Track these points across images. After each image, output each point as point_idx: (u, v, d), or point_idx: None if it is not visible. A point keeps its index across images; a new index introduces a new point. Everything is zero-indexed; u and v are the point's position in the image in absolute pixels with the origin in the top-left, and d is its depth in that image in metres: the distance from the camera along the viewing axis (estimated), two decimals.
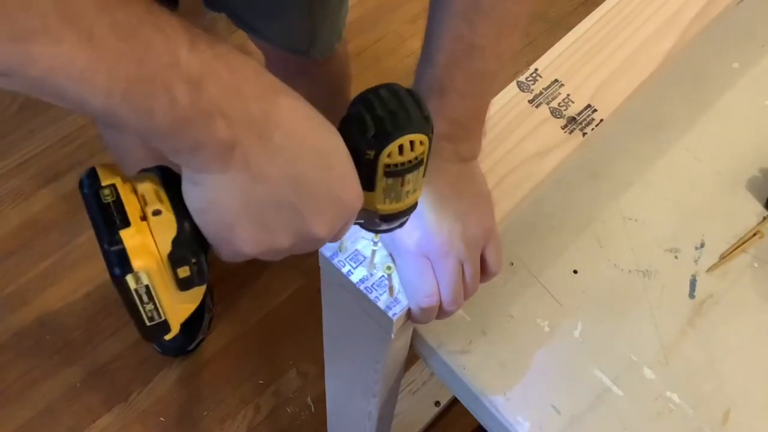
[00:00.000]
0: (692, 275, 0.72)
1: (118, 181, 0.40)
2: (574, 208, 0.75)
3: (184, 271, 0.40)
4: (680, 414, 0.64)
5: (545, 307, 0.69)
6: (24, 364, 1.39)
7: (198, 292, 0.43)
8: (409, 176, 0.45)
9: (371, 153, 0.42)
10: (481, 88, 0.56)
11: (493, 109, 0.70)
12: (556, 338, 0.67)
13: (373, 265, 0.58)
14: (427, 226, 0.55)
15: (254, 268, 1.51)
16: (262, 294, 1.49)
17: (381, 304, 0.57)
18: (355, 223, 0.47)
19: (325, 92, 1.26)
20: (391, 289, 0.57)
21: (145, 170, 0.42)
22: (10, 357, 1.40)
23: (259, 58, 1.19)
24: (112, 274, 0.38)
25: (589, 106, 0.70)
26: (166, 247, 0.39)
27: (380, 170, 0.43)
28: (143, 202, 0.39)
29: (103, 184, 0.39)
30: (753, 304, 0.71)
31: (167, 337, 0.43)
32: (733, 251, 0.73)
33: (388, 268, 0.56)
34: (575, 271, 0.71)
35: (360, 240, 0.59)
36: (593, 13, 0.77)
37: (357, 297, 0.59)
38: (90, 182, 0.39)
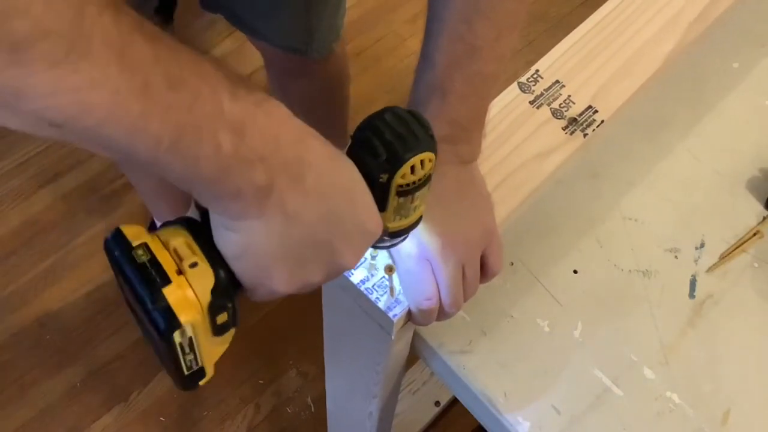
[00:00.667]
0: (692, 275, 0.72)
1: (148, 239, 0.40)
2: (574, 208, 0.75)
3: (222, 318, 0.41)
4: (680, 414, 0.64)
5: (545, 307, 0.69)
6: (24, 364, 1.39)
7: (230, 334, 0.43)
8: (418, 193, 0.46)
9: (384, 177, 0.44)
10: (481, 89, 0.56)
11: (494, 110, 0.70)
12: (556, 338, 0.67)
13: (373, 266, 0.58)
14: (427, 228, 0.55)
15: None
16: None
17: (382, 305, 0.57)
18: None
19: (323, 92, 1.26)
20: (391, 290, 0.57)
21: (168, 223, 0.42)
22: (10, 357, 1.40)
23: (258, 59, 1.19)
24: (160, 333, 0.38)
25: (590, 107, 0.70)
26: (206, 297, 0.39)
27: (393, 192, 0.45)
28: (177, 256, 0.40)
29: (134, 244, 0.39)
30: (753, 304, 0.71)
31: (202, 383, 0.44)
32: (733, 251, 0.73)
33: (389, 269, 0.55)
34: (575, 271, 0.71)
35: None
36: (594, 14, 0.77)
37: (358, 298, 0.59)
38: (119, 244, 0.39)
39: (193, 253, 0.40)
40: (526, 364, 0.66)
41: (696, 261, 0.73)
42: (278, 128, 0.37)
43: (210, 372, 0.43)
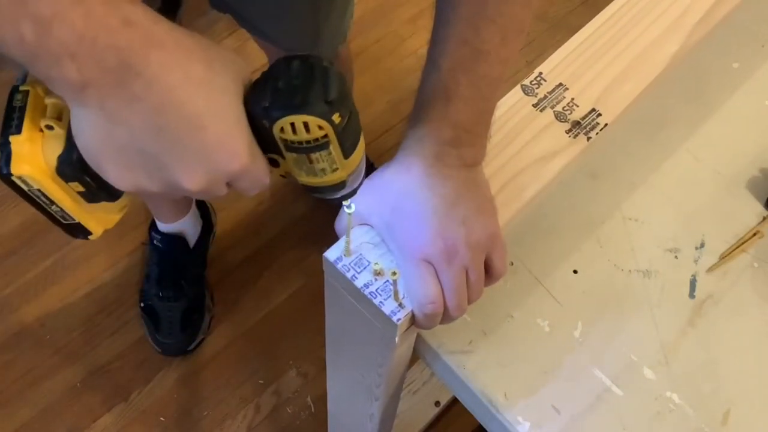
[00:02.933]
0: (692, 275, 0.72)
1: (35, 88, 0.41)
2: (574, 208, 0.75)
3: (77, 186, 0.42)
4: (680, 414, 0.64)
5: (545, 307, 0.69)
6: (24, 364, 1.39)
7: (112, 206, 0.45)
8: (314, 155, 0.43)
9: (266, 123, 0.42)
10: (486, 93, 0.56)
11: (497, 112, 0.69)
12: (556, 338, 0.67)
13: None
14: (431, 232, 0.55)
15: (254, 268, 1.51)
16: (262, 294, 1.49)
17: (386, 309, 0.56)
18: (288, 180, 0.47)
19: None
20: (395, 293, 0.56)
21: None
22: (10, 357, 1.40)
23: (258, 58, 1.19)
24: None
25: (593, 110, 0.70)
26: (53, 162, 0.41)
27: (279, 143, 0.43)
28: (44, 114, 0.41)
29: (21, 88, 0.41)
30: (753, 304, 0.71)
31: (91, 238, 0.47)
32: (733, 251, 0.73)
33: (393, 273, 0.55)
34: (575, 271, 0.71)
35: (364, 245, 0.59)
36: (597, 16, 0.77)
37: (361, 302, 0.58)
38: (16, 84, 0.42)
39: (59, 117, 0.41)
40: (526, 364, 0.66)
41: (696, 261, 0.73)
42: (99, 31, 0.36)
43: (96, 232, 0.46)
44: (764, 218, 0.76)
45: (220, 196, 0.44)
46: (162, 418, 1.37)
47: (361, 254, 0.59)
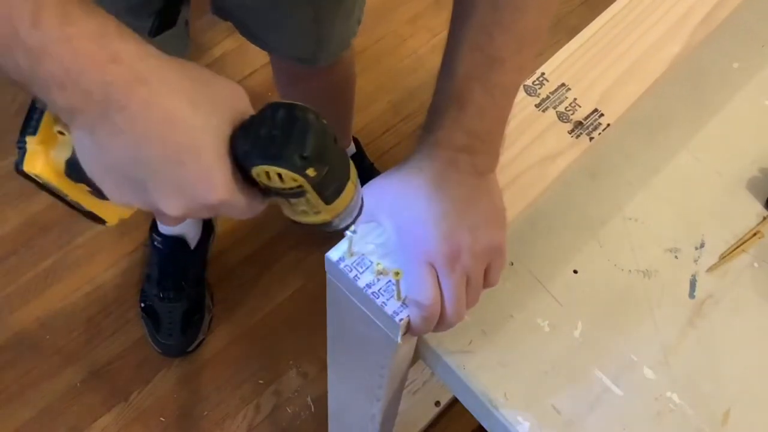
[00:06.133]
0: (692, 275, 0.72)
1: None
2: (574, 208, 0.75)
3: (84, 187, 0.45)
4: (680, 414, 0.64)
5: (545, 307, 0.69)
6: (24, 364, 1.39)
7: (117, 205, 0.47)
8: (293, 200, 0.45)
9: (245, 165, 0.43)
10: (500, 100, 0.56)
11: None
12: (556, 338, 0.67)
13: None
14: (438, 236, 0.54)
15: (254, 268, 1.51)
16: (262, 294, 1.49)
17: (388, 310, 0.56)
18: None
19: (330, 95, 1.27)
20: (398, 294, 0.56)
21: None
22: (10, 357, 1.40)
23: (258, 59, 1.19)
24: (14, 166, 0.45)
25: (596, 110, 0.70)
26: (61, 165, 0.45)
27: (259, 184, 0.44)
28: (57, 120, 0.44)
29: None
30: (753, 304, 0.71)
31: (107, 225, 0.51)
32: (733, 251, 0.73)
33: (397, 273, 0.55)
34: (575, 271, 0.71)
35: (367, 246, 0.59)
36: (599, 17, 0.77)
37: (363, 302, 0.58)
38: None
39: None
40: (527, 364, 0.66)
41: (696, 261, 0.73)
42: (85, 66, 0.38)
43: (111, 221, 0.50)
44: (764, 218, 0.76)
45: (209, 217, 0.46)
46: (162, 418, 1.37)
47: (363, 255, 0.59)
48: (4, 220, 1.53)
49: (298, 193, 0.44)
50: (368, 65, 1.77)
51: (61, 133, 0.44)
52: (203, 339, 1.43)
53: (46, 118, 0.44)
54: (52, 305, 1.45)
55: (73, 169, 0.44)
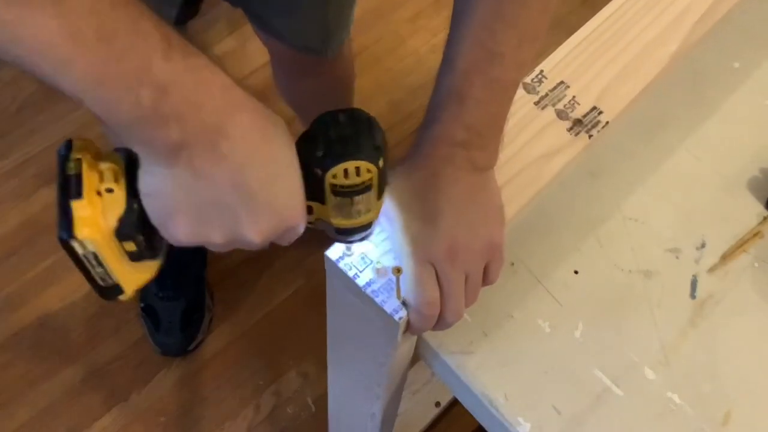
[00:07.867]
0: (693, 275, 0.72)
1: (86, 156, 0.44)
2: (574, 208, 0.75)
3: (129, 246, 0.45)
4: (681, 414, 0.64)
5: (546, 307, 0.69)
6: (24, 364, 1.39)
7: (151, 265, 0.48)
8: (357, 198, 0.48)
9: (319, 171, 0.46)
10: (500, 96, 0.56)
11: None
12: (556, 338, 0.67)
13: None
14: (436, 234, 0.54)
15: (254, 268, 1.51)
16: (262, 294, 1.49)
17: (387, 308, 0.56)
18: (314, 228, 0.51)
19: (330, 91, 1.26)
20: (398, 291, 0.56)
21: (117, 149, 0.45)
22: (10, 357, 1.40)
23: (258, 59, 1.18)
24: (59, 239, 0.43)
25: (595, 108, 0.70)
26: (113, 223, 0.44)
27: (327, 188, 0.47)
28: (101, 179, 0.44)
29: (71, 156, 0.44)
30: (754, 305, 0.71)
31: (122, 299, 0.49)
32: (733, 251, 0.73)
33: (397, 270, 0.55)
34: (576, 272, 0.71)
35: (366, 244, 0.59)
36: (598, 14, 0.77)
37: (363, 300, 0.58)
38: (63, 153, 0.44)
39: (116, 180, 0.44)
40: (527, 365, 0.66)
41: (697, 261, 0.73)
42: (204, 95, 0.39)
43: (128, 292, 0.49)
44: (765, 218, 0.76)
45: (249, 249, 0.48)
46: (162, 418, 1.37)
47: (363, 253, 0.59)
48: (4, 220, 1.53)
49: (366, 187, 0.47)
50: (368, 65, 1.77)
51: (109, 190, 0.44)
52: (203, 338, 1.43)
53: (86, 180, 0.43)
54: (52, 305, 1.45)
55: (126, 225, 0.44)
